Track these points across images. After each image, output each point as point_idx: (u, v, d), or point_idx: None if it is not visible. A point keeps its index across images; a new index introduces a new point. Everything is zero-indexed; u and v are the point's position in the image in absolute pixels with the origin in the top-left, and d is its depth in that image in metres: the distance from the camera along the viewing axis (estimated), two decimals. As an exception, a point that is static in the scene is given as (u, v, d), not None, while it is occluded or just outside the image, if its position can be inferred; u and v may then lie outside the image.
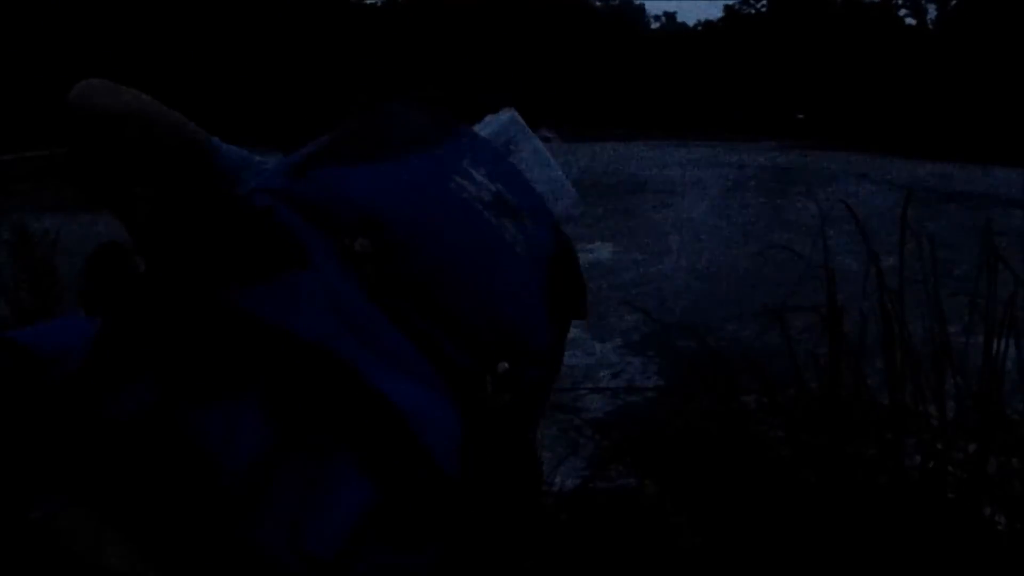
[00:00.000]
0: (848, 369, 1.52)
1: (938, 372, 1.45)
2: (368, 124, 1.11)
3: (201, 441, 0.73)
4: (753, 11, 40.34)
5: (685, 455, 1.82)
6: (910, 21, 36.96)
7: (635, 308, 3.71)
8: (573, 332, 1.15)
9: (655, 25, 46.37)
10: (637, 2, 45.75)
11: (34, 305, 2.37)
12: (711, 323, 3.83)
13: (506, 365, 0.94)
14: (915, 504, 1.42)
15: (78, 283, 1.03)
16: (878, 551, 1.34)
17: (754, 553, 1.43)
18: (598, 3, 43.73)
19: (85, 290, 0.94)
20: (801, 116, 32.85)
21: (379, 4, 38.49)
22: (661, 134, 25.07)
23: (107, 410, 0.75)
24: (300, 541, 0.73)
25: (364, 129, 1.10)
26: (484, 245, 1.01)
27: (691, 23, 50.16)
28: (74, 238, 3.23)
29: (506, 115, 1.35)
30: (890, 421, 1.47)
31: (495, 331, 0.96)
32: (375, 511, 0.75)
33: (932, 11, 36.39)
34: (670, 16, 48.65)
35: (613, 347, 3.37)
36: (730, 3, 40.58)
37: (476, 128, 1.27)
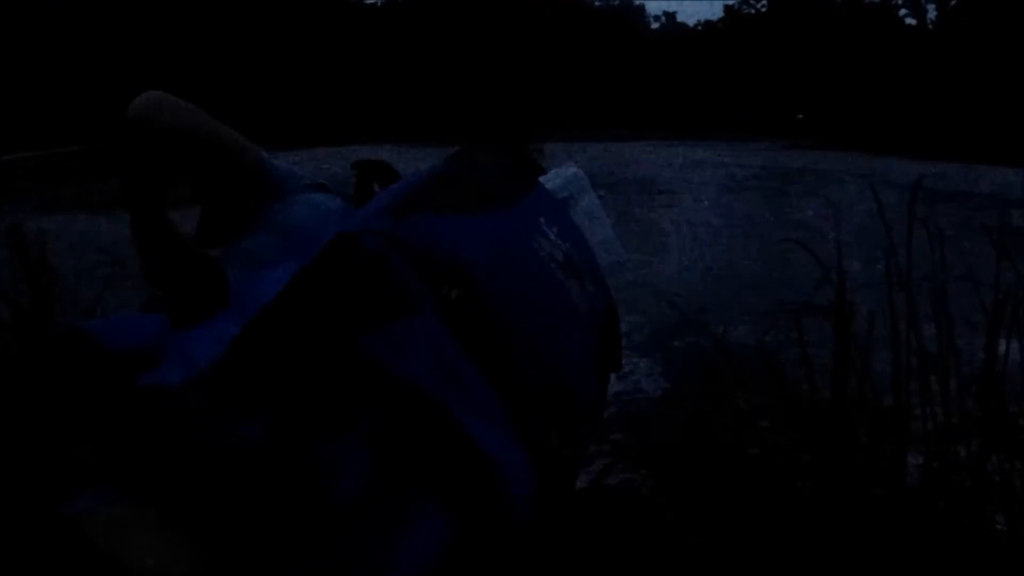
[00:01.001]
0: (854, 370, 1.52)
1: (943, 371, 1.44)
2: (458, 171, 1.16)
3: (318, 472, 0.78)
4: (753, 11, 40.32)
5: (687, 456, 1.82)
6: (910, 21, 36.97)
7: (640, 306, 3.71)
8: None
9: (655, 25, 46.38)
10: (637, 2, 45.76)
11: (33, 305, 2.37)
12: (713, 324, 3.82)
13: (566, 419, 0.98)
14: (915, 505, 1.42)
15: (167, 297, 1.05)
16: (876, 552, 1.33)
17: (754, 554, 1.43)
18: (598, 3, 43.73)
19: (179, 305, 0.97)
20: (801, 116, 32.83)
21: (379, 4, 38.49)
22: (661, 134, 25.07)
23: (221, 435, 0.79)
24: (383, 572, 0.77)
25: (455, 176, 1.14)
26: (556, 304, 1.07)
27: (691, 23, 50.19)
28: (74, 238, 3.24)
29: (571, 170, 1.43)
30: (893, 421, 1.47)
31: (558, 386, 1.00)
32: (450, 549, 0.80)
33: (932, 11, 36.40)
34: (670, 16, 48.66)
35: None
36: (730, 3, 40.61)
37: (542, 179, 1.34)
